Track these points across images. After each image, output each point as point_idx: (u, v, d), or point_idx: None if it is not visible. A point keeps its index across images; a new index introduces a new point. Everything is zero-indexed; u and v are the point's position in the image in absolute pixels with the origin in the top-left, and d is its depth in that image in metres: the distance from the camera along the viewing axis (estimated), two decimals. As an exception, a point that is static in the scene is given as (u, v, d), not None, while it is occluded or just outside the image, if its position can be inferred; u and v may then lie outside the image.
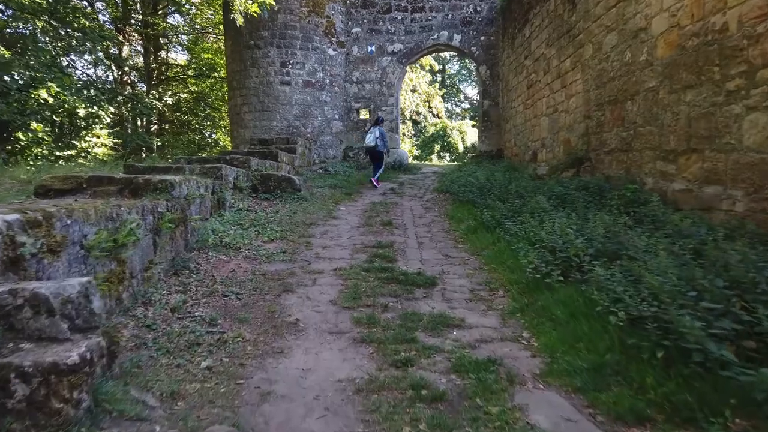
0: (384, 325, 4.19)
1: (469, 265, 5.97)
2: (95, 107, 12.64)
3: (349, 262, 6.06)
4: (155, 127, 22.53)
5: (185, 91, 22.94)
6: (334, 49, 16.48)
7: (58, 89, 10.43)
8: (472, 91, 49.23)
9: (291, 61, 15.67)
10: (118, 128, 15.60)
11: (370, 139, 12.99)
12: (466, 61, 48.29)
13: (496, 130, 16.45)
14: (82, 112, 12.35)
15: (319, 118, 16.18)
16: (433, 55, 33.30)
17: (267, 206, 8.86)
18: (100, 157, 12.89)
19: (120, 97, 16.52)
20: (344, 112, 17.11)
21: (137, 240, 4.34)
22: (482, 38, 16.29)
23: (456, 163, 21.29)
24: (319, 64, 16.08)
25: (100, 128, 13.54)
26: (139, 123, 22.53)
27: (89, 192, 5.42)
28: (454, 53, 19.96)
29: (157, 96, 20.15)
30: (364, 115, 17.41)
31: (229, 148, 17.75)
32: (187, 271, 5.28)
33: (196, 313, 4.33)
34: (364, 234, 7.55)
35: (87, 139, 12.83)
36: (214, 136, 24.80)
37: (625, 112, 7.61)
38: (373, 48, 16.85)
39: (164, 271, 5.03)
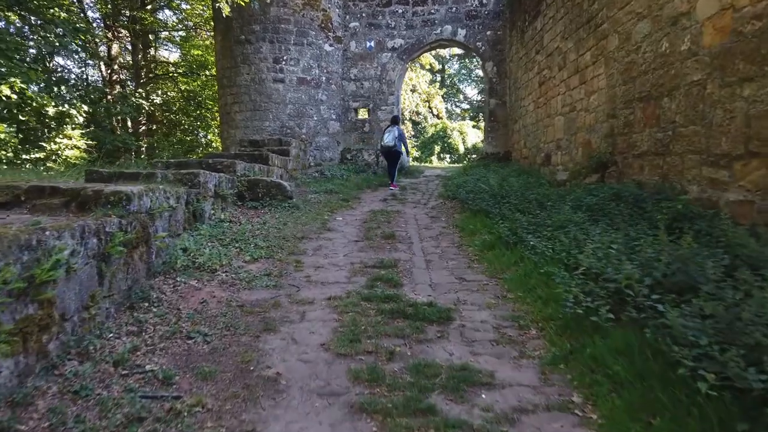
0: (390, 383, 3.21)
1: (489, 291, 4.99)
2: (66, 106, 11.62)
3: (345, 287, 5.07)
4: (144, 127, 21.50)
5: (174, 89, 21.92)
6: (330, 45, 15.51)
7: (22, 85, 9.43)
8: (471, 91, 48.47)
9: (285, 57, 14.69)
10: (93, 128, 14.53)
11: (388, 139, 12.24)
12: (466, 60, 47.74)
13: (503, 131, 15.48)
14: (51, 110, 11.34)
15: (315, 118, 15.20)
16: (435, 51, 32.50)
17: (254, 216, 7.87)
18: (72, 161, 11.89)
19: (94, 95, 15.47)
20: (341, 111, 16.13)
21: (72, 271, 3.35)
22: (488, 33, 15.32)
23: (459, 165, 20.33)
24: (314, 60, 15.11)
25: (72, 128, 12.52)
26: (129, 123, 21.57)
27: (28, 206, 4.44)
28: (459, 49, 18.97)
29: (144, 95, 19.11)
30: (363, 114, 16.43)
31: (222, 149, 16.76)
32: (147, 304, 4.29)
33: (148, 366, 3.34)
34: (363, 250, 6.57)
35: (57, 140, 11.83)
36: (207, 137, 23.83)
37: (660, 110, 6.66)
38: (372, 43, 15.89)
39: (116, 306, 4.04)
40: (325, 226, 7.81)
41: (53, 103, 11.32)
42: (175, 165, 8.30)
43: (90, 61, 21.05)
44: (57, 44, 11.33)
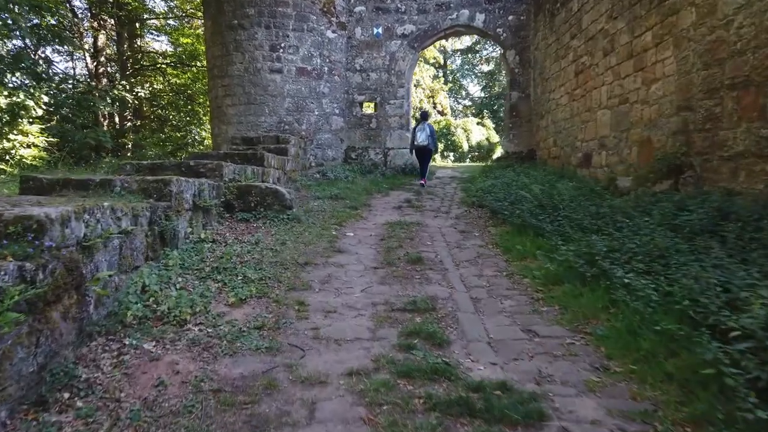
0: None
1: (581, 358, 3.42)
2: (22, 95, 9.94)
3: (370, 349, 3.51)
4: (129, 123, 19.85)
5: (162, 82, 20.28)
6: (333, 31, 13.91)
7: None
8: (474, 88, 47.06)
9: (282, 45, 13.10)
10: (56, 123, 12.89)
11: (422, 137, 11.79)
12: (470, 56, 46.21)
13: (526, 127, 13.89)
14: (2, 101, 9.66)
15: (316, 113, 13.61)
16: (440, 44, 30.92)
17: (244, 233, 6.31)
18: (29, 161, 10.22)
19: (73, 86, 13.86)
20: (345, 105, 14.55)
21: None
22: (510, 18, 13.73)
23: (471, 164, 18.79)
24: (315, 48, 13.51)
25: (30, 123, 10.81)
26: (116, 119, 19.97)
27: None
28: (477, 36, 17.37)
29: (128, 87, 17.46)
30: (369, 109, 14.85)
31: (212, 148, 15.16)
32: (68, 394, 2.74)
33: None
34: (385, 281, 5.00)
35: (11, 137, 10.14)
36: (200, 134, 22.18)
37: (766, 100, 5.17)
38: (380, 30, 14.29)
39: (10, 407, 2.49)
40: (334, 245, 6.24)
41: (4, 93, 9.66)
42: (148, 168, 6.72)
43: (77, 54, 19.52)
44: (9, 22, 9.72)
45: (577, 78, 10.26)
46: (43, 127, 11.44)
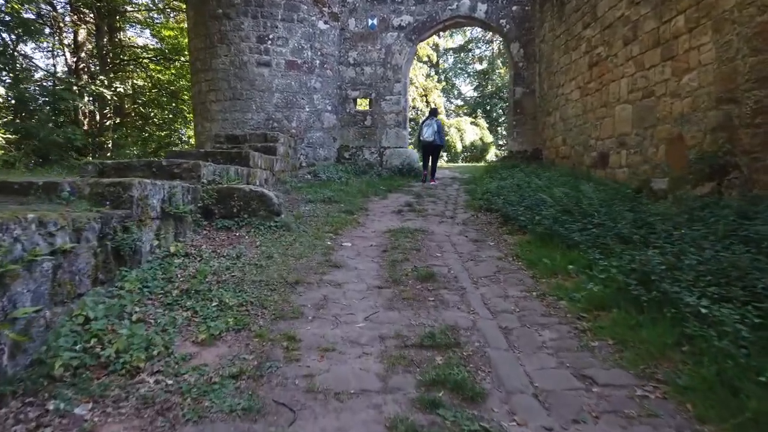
0: None
1: (664, 421, 2.55)
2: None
3: (380, 409, 2.63)
4: (110, 121, 18.78)
5: (142, 77, 19.25)
6: (325, 22, 13.02)
7: None
8: (466, 88, 46.45)
9: (270, 36, 12.19)
10: (18, 119, 11.91)
11: (428, 133, 11.68)
12: (462, 55, 45.47)
13: (531, 125, 13.07)
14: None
15: (307, 109, 12.71)
16: (434, 41, 30.12)
17: (224, 244, 5.41)
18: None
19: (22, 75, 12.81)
20: (338, 101, 13.65)
21: None
22: (514, 8, 12.89)
23: (467, 165, 18.01)
24: (306, 40, 12.61)
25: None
26: (97, 117, 18.91)
27: None
28: (478, 27, 16.53)
29: (106, 83, 16.42)
30: (363, 105, 13.97)
31: (195, 146, 14.20)
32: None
33: None
34: (393, 305, 4.12)
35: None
36: (188, 132, 21.13)
37: (838, 88, 4.39)
38: (375, 21, 13.41)
39: None
40: (329, 258, 5.34)
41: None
42: (114, 169, 5.81)
43: (58, 51, 18.48)
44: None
45: (591, 71, 9.46)
46: (-1, 122, 10.47)
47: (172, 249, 4.66)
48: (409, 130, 14.21)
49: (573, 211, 5.69)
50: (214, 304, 3.81)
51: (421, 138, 11.90)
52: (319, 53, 12.89)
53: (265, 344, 3.32)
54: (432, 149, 12.20)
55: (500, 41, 42.65)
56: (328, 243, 5.93)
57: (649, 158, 7.44)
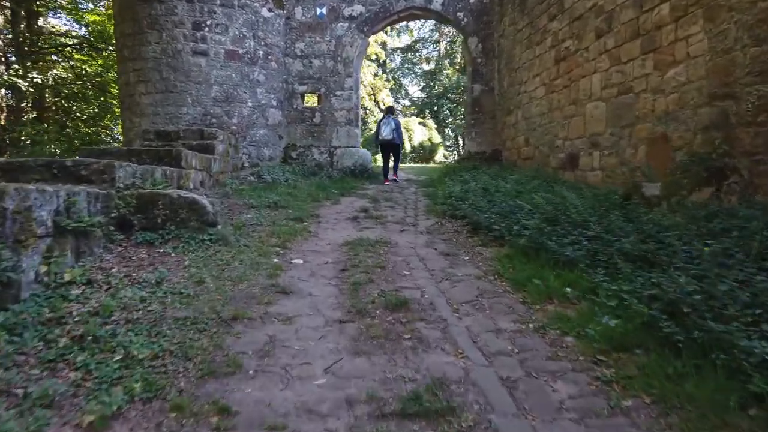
0: None
1: None
2: None
3: None
4: (27, 115, 16.85)
5: (65, 68, 17.43)
6: (270, 10, 11.91)
7: None
8: (413, 88, 46.18)
9: (208, 23, 10.98)
10: None
11: (386, 132, 11.42)
12: (409, 54, 45.04)
13: (490, 124, 12.42)
14: None
15: (250, 104, 11.56)
16: (381, 38, 29.31)
17: (143, 266, 4.32)
18: None
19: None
20: (284, 96, 12.56)
21: None
22: (471, 0, 12.21)
23: (423, 165, 17.31)
24: (248, 28, 11.47)
25: None
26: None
27: None
28: (434, 20, 15.74)
29: (20, 72, 14.63)
30: (312, 101, 12.95)
31: (123, 143, 12.74)
32: None
33: None
34: (360, 348, 3.19)
35: None
36: (118, 128, 19.32)
37: None
38: (324, 10, 12.41)
39: None
40: (276, 281, 4.35)
41: None
42: (1, 170, 4.61)
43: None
44: None
45: (558, 66, 8.86)
46: None
47: (68, 276, 3.56)
48: (359, 129, 13.27)
49: (559, 221, 4.94)
50: (117, 357, 2.77)
51: (380, 137, 11.61)
52: (262, 43, 11.77)
53: (186, 422, 2.33)
54: (392, 148, 11.92)
55: (448, 41, 42.72)
56: (275, 260, 4.93)
57: (626, 160, 6.86)
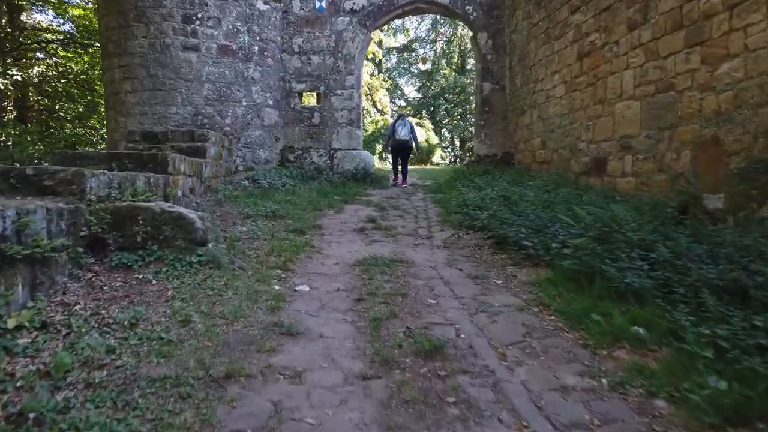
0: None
1: None
2: None
3: None
4: (7, 115, 15.95)
5: (50, 65, 16.54)
6: (265, 2, 11.12)
7: None
8: (409, 89, 45.56)
9: (199, 15, 10.20)
10: None
11: (403, 132, 11.22)
12: (405, 54, 44.37)
13: (500, 125, 11.69)
14: None
15: (244, 103, 10.78)
16: (380, 35, 28.55)
17: (116, 297, 3.53)
18: None
19: None
20: (281, 95, 11.78)
21: None
22: (482, -7, 11.49)
23: (425, 167, 16.58)
24: (243, 22, 10.69)
25: None
26: None
27: None
28: (441, 14, 14.97)
29: (0, 70, 13.77)
30: (311, 100, 12.19)
31: (107, 145, 11.90)
32: None
33: None
34: (394, 423, 2.39)
35: None
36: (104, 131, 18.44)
37: None
38: (324, 3, 11.63)
39: None
40: (279, 316, 3.57)
41: None
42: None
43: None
44: None
45: (581, 62, 8.13)
46: None
47: (13, 322, 2.77)
48: (362, 131, 12.50)
49: (610, 238, 4.20)
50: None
51: (396, 137, 11.32)
52: (258, 38, 10.98)
53: None
54: (405, 150, 11.65)
55: (445, 41, 42.05)
56: (276, 287, 4.16)
57: (666, 165, 6.13)
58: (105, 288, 3.67)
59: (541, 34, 9.64)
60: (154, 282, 3.90)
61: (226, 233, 5.84)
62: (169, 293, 3.70)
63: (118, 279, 3.89)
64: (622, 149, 7.08)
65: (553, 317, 3.71)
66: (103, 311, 3.27)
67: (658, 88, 6.29)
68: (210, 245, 4.54)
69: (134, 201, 4.64)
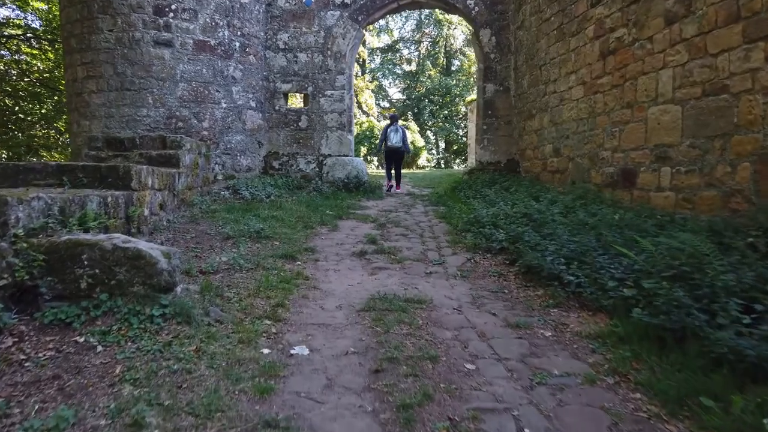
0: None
1: None
2: None
3: None
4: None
5: (9, 62, 15.24)
6: (247, -6, 10.09)
7: None
8: (392, 90, 44.81)
9: (173, 7, 9.14)
10: None
11: (397, 139, 11.12)
12: (389, 54, 43.50)
13: (504, 130, 10.79)
14: None
15: (224, 105, 9.73)
16: (366, 33, 27.58)
17: (38, 388, 2.49)
18: None
19: None
20: (265, 96, 10.74)
21: None
22: (484, -13, 10.59)
23: (417, 171, 15.69)
24: (222, 15, 9.64)
25: None
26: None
27: None
28: (439, 9, 14.03)
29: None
30: (297, 102, 11.17)
31: (71, 152, 10.72)
32: None
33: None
34: None
35: None
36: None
37: None
38: (312, -4, 10.64)
39: None
40: (271, 408, 2.53)
41: None
42: None
43: None
44: None
45: (605, 61, 7.26)
46: None
47: None
48: (353, 136, 11.51)
49: (692, 280, 3.28)
50: None
51: (389, 143, 11.21)
52: (239, 33, 9.93)
53: None
54: (399, 156, 11.65)
55: (429, 42, 41.24)
56: (265, 351, 3.15)
57: (718, 180, 5.27)
58: (26, 364, 2.63)
59: (553, 31, 8.75)
60: (99, 349, 2.87)
61: (201, 263, 4.82)
62: (118, 369, 2.67)
63: (50, 345, 2.86)
64: (656, 160, 6.21)
65: (639, 395, 2.76)
66: (13, 411, 2.24)
67: (706, 91, 5.42)
68: (178, 289, 3.52)
69: (80, 233, 3.60)
